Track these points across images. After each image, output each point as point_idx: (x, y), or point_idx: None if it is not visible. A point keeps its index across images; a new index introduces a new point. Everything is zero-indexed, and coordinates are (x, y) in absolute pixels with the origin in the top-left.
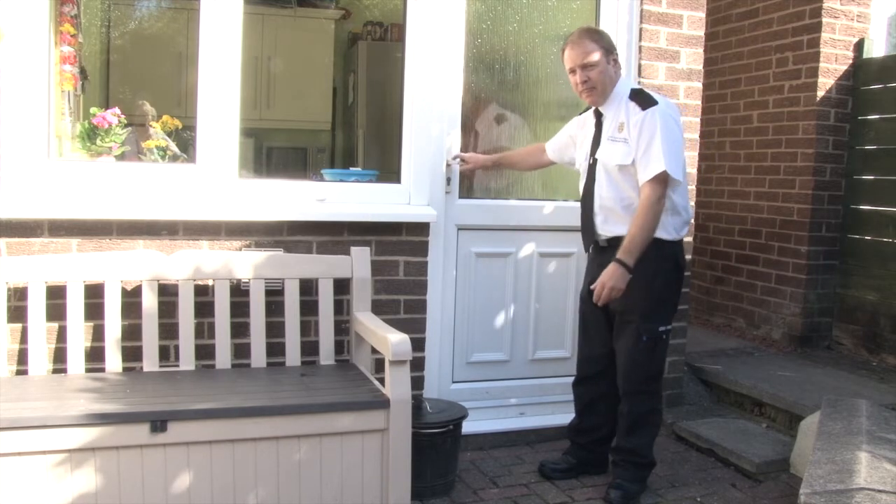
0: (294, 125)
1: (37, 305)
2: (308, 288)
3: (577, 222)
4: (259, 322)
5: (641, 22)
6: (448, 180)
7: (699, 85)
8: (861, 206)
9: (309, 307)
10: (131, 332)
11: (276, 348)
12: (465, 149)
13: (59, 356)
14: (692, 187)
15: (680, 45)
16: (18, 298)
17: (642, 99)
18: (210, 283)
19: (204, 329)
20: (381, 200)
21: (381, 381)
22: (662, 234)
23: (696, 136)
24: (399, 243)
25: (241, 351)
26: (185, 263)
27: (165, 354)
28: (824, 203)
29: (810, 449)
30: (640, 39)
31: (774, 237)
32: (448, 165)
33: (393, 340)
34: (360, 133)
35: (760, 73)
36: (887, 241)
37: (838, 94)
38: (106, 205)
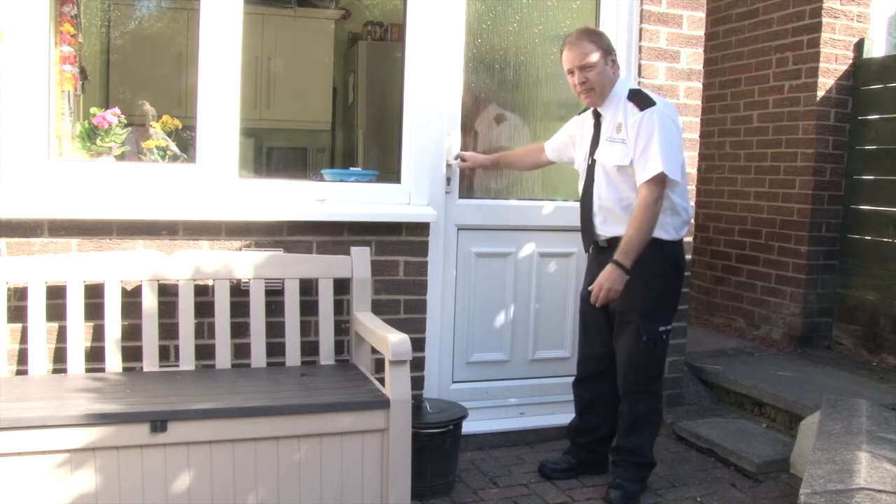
0: (294, 125)
1: (37, 305)
2: (308, 288)
3: (576, 222)
4: (259, 322)
5: (641, 22)
6: (448, 180)
7: (699, 85)
8: (861, 206)
9: (309, 307)
10: (131, 332)
11: (276, 348)
12: (464, 148)
13: (59, 356)
14: (692, 187)
15: (680, 45)
16: (18, 298)
17: (640, 99)
18: (210, 283)
19: (204, 329)
20: (381, 200)
21: (381, 381)
22: (662, 234)
23: (696, 136)
24: (399, 243)
25: (241, 351)
26: (185, 263)
27: (165, 354)
28: (824, 203)
29: (810, 449)
30: (640, 39)
31: (774, 237)
32: (448, 165)
33: (393, 340)
34: (360, 133)
35: (760, 73)
36: (887, 241)
37: (838, 94)
38: (106, 205)
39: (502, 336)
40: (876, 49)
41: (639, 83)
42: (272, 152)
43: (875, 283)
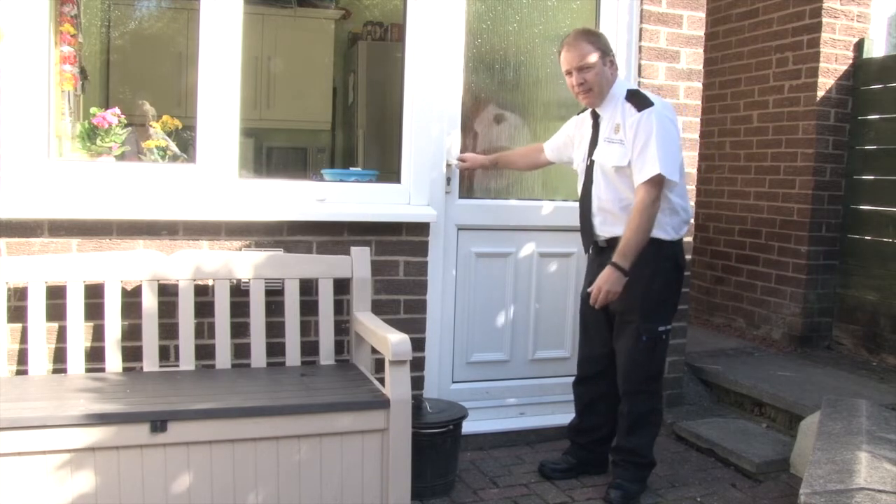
0: (294, 125)
1: (37, 305)
2: (308, 288)
3: (576, 222)
4: (259, 322)
5: (641, 22)
6: (448, 180)
7: (699, 85)
8: (861, 206)
9: (309, 307)
10: (131, 332)
11: (276, 348)
12: (464, 149)
13: (59, 356)
14: (692, 187)
15: (680, 45)
16: (18, 298)
17: (638, 100)
18: (210, 283)
19: (204, 329)
20: (381, 200)
21: (381, 381)
22: (661, 234)
23: (696, 136)
24: (399, 243)
25: (241, 351)
26: (185, 263)
27: (165, 354)
28: (824, 203)
29: (810, 449)
30: (640, 39)
31: (774, 237)
32: (449, 165)
33: (393, 340)
34: (360, 133)
35: (760, 73)
36: (887, 241)
37: (838, 94)
38: (106, 205)
39: (502, 336)
40: (876, 49)
41: (639, 83)
42: (272, 152)
43: (875, 283)
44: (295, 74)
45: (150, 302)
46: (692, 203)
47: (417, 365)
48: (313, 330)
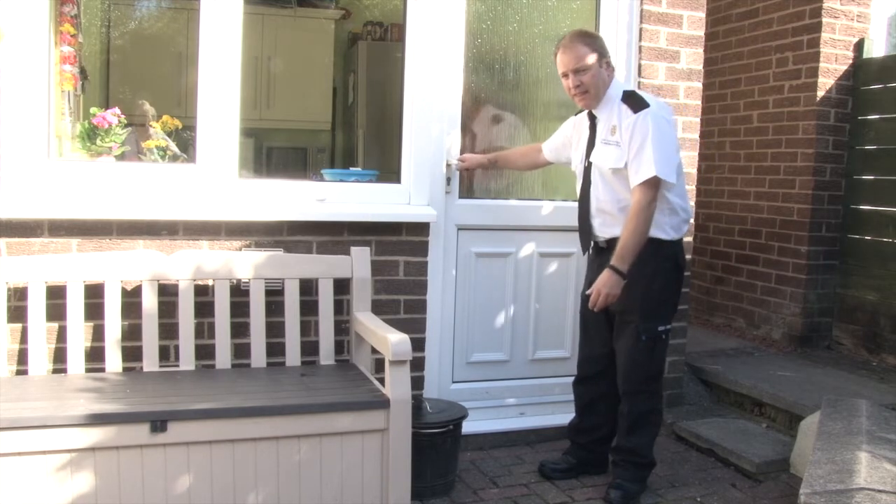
0: (294, 125)
1: (37, 305)
2: (308, 288)
3: (576, 222)
4: (259, 322)
5: (641, 22)
6: (448, 180)
7: (699, 85)
8: (861, 206)
9: (309, 307)
10: (131, 332)
11: (276, 348)
12: (464, 149)
13: (59, 356)
14: (692, 187)
15: (680, 45)
16: (18, 298)
17: (634, 101)
18: (210, 283)
19: (204, 329)
20: (381, 200)
21: (381, 381)
22: (660, 234)
23: (696, 136)
24: (399, 243)
25: (241, 351)
26: (185, 263)
27: (165, 354)
28: (824, 203)
29: (810, 449)
30: (640, 39)
31: (774, 237)
32: (448, 165)
33: (393, 340)
34: (360, 133)
35: (760, 73)
36: (887, 241)
37: (838, 94)
38: (106, 205)
39: (502, 336)
40: (876, 49)
41: (639, 83)
42: (272, 152)
43: (875, 283)
44: (295, 74)
45: (150, 302)
46: (692, 203)
47: (417, 365)
48: (313, 330)
